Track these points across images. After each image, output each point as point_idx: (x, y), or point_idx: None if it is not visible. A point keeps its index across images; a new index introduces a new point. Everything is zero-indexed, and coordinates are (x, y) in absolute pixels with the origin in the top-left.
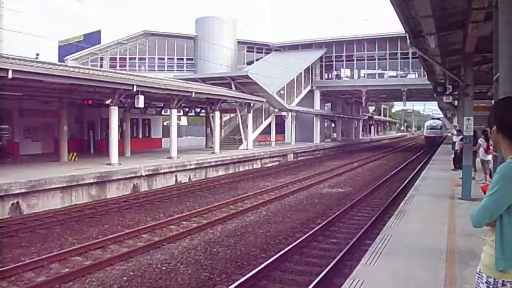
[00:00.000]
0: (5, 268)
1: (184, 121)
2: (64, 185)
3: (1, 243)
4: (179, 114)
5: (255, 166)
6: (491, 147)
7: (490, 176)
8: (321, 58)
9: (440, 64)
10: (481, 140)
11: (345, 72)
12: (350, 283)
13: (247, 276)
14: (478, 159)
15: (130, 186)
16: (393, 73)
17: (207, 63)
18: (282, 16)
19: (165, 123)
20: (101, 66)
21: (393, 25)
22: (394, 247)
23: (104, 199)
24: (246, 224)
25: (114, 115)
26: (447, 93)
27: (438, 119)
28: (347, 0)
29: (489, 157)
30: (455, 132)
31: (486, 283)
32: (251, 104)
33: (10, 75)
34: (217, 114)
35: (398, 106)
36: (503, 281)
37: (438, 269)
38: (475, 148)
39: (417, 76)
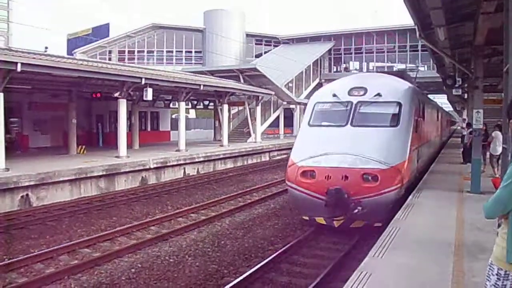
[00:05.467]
0: (15, 259)
1: (192, 114)
2: (73, 177)
3: (11, 235)
4: (187, 107)
5: (263, 159)
6: None
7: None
8: (329, 50)
9: (449, 56)
10: (495, 133)
11: (354, 64)
12: (358, 275)
13: (255, 268)
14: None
15: (138, 178)
16: (402, 66)
17: (216, 56)
18: (284, 10)
19: (173, 116)
20: (109, 59)
21: (401, 18)
22: (402, 240)
23: (113, 192)
24: (254, 216)
25: (123, 108)
26: (456, 85)
27: (400, 74)
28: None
29: (500, 151)
30: (464, 125)
31: (497, 275)
32: (260, 97)
33: (19, 68)
34: (226, 107)
35: None
36: None
37: (447, 262)
38: (489, 140)
39: (426, 68)
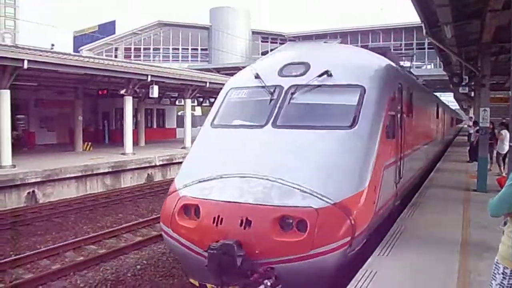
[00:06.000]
0: (21, 255)
1: (198, 111)
2: (79, 174)
3: (17, 231)
4: (193, 104)
5: None
6: None
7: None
8: None
9: (456, 54)
10: (505, 132)
11: None
12: (363, 273)
13: None
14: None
15: (144, 175)
16: (408, 63)
17: (222, 53)
18: (287, 8)
19: (179, 113)
20: (115, 57)
21: (407, 16)
22: (408, 238)
23: (119, 189)
24: None
25: (129, 105)
26: (463, 83)
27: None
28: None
29: (506, 149)
30: (471, 124)
31: (503, 273)
32: None
33: (25, 65)
34: None
35: None
36: None
37: (452, 260)
38: (501, 138)
39: (433, 66)
